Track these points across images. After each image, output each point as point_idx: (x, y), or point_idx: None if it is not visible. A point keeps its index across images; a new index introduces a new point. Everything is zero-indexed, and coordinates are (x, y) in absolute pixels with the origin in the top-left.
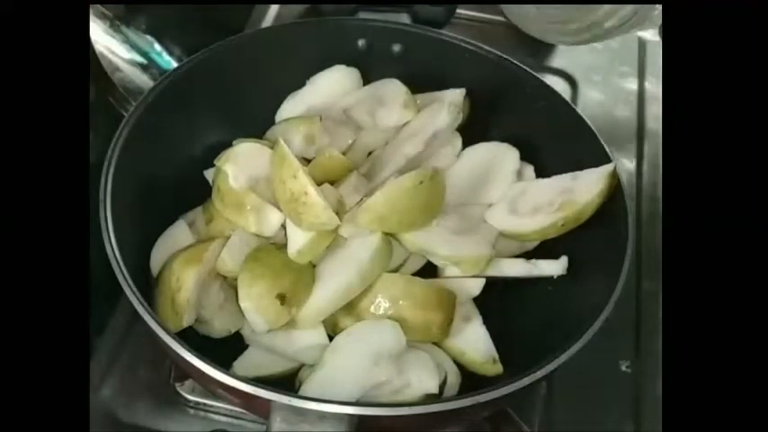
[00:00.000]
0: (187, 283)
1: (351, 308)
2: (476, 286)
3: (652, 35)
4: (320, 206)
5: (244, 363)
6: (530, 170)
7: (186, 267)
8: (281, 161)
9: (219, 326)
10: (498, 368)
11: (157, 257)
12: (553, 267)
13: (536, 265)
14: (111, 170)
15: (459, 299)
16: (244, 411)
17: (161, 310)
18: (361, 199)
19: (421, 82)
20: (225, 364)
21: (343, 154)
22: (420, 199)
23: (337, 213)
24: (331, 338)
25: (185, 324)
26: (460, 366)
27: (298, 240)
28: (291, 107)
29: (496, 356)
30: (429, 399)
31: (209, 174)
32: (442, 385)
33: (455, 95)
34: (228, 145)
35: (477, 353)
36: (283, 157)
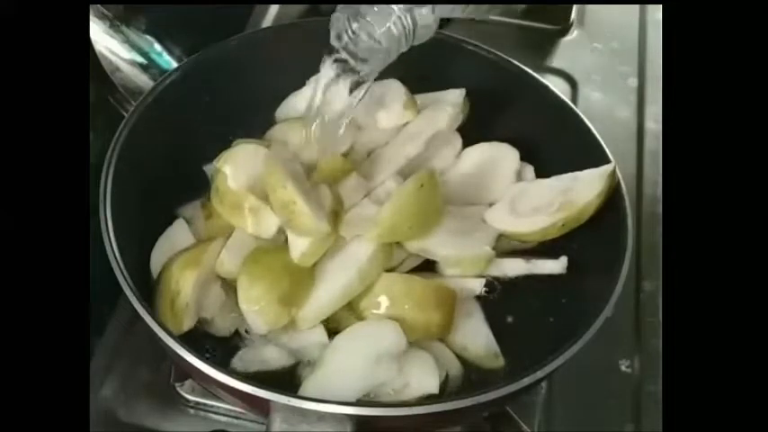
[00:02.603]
0: (186, 288)
1: (351, 308)
2: (477, 285)
3: (652, 34)
4: (308, 216)
5: (243, 358)
6: (530, 170)
7: (185, 271)
8: (271, 170)
9: (220, 325)
10: (500, 362)
11: (157, 258)
12: (553, 267)
13: (536, 264)
14: (111, 170)
15: (459, 296)
16: (244, 411)
17: (161, 312)
18: (362, 198)
19: (421, 82)
20: (225, 364)
21: (343, 155)
22: (424, 201)
23: (336, 214)
24: (331, 337)
25: (185, 329)
26: (463, 361)
27: (300, 244)
28: (291, 107)
29: (498, 351)
30: (429, 399)
31: (208, 168)
32: (445, 382)
33: (455, 95)
34: (228, 145)
35: (479, 348)
36: (273, 166)
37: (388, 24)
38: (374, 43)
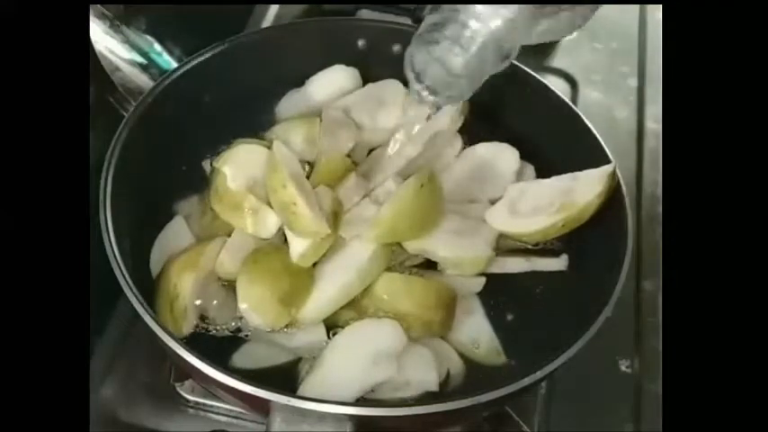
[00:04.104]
0: (184, 291)
1: (351, 307)
2: (477, 283)
3: (652, 34)
4: (308, 217)
5: (243, 355)
6: (530, 170)
7: (183, 274)
8: (272, 170)
9: (221, 322)
10: (502, 358)
11: (156, 257)
12: (554, 264)
13: (537, 262)
14: (111, 170)
15: (460, 293)
16: (243, 411)
17: (160, 314)
18: (361, 198)
19: None
20: (225, 364)
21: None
22: (424, 202)
23: (335, 215)
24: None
25: (185, 332)
26: (464, 358)
27: (300, 245)
28: (291, 107)
29: (500, 348)
30: (429, 399)
31: (207, 164)
32: (446, 379)
33: None
34: (228, 145)
35: (481, 345)
36: (274, 166)
37: (467, 55)
38: (453, 77)
